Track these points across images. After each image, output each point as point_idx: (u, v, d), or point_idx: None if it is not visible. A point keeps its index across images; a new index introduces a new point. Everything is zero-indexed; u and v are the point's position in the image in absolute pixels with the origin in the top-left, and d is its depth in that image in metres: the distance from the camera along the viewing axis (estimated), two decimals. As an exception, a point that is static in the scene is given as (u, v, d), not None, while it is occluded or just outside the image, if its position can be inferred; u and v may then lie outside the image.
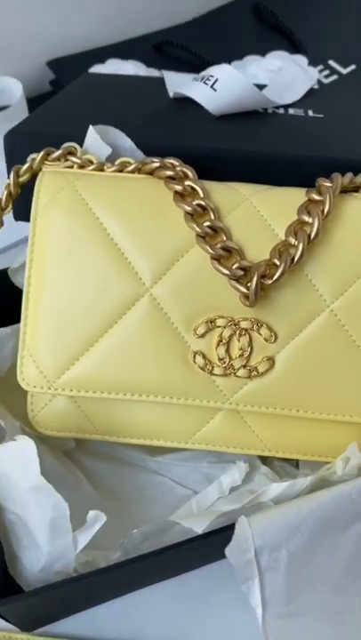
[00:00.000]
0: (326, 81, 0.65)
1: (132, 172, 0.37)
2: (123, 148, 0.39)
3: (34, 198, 0.36)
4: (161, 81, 0.53)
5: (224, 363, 0.34)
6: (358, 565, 0.30)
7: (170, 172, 0.35)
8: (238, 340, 0.34)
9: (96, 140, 0.38)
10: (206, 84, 0.44)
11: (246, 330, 0.34)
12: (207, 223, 0.34)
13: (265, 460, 0.39)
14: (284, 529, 0.29)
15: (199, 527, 0.30)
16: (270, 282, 0.32)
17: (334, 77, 0.66)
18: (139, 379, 0.35)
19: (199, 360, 0.35)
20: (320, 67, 0.67)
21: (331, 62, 0.67)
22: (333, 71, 0.66)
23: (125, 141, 0.39)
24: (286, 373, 0.34)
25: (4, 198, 0.39)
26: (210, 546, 0.32)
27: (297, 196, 0.35)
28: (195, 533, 0.31)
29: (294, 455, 0.37)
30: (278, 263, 0.33)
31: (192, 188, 0.35)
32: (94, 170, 0.37)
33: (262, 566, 0.28)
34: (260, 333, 0.34)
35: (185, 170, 0.35)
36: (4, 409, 0.38)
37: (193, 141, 0.41)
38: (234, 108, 0.44)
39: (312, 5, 0.74)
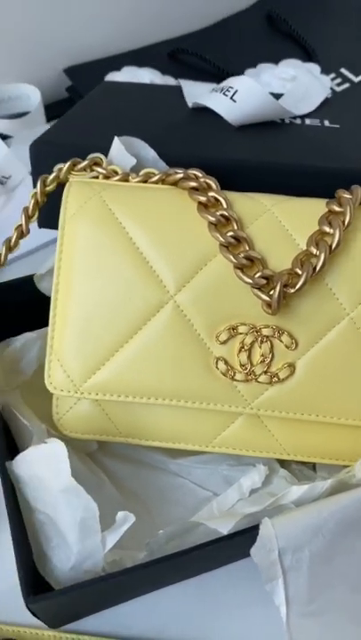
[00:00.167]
0: (339, 89, 0.66)
1: (156, 182, 0.38)
2: (146, 158, 0.41)
3: (62, 208, 0.37)
4: (178, 90, 0.54)
5: (246, 369, 0.35)
6: (377, 566, 0.31)
7: (193, 183, 0.36)
8: (260, 347, 0.35)
9: (121, 151, 0.39)
10: (226, 96, 0.45)
11: (268, 337, 0.35)
12: (230, 233, 0.35)
13: (283, 463, 0.40)
14: (307, 530, 0.30)
15: (225, 528, 0.31)
16: (293, 291, 0.34)
17: (346, 85, 0.67)
18: (162, 383, 0.36)
19: (221, 366, 0.36)
20: (332, 75, 0.68)
21: (343, 70, 0.68)
22: (346, 79, 0.67)
23: (148, 152, 0.40)
24: (306, 379, 0.35)
25: (30, 207, 0.40)
26: (233, 546, 0.33)
27: (317, 206, 0.36)
28: (217, 534, 0.32)
29: (312, 459, 0.38)
30: (300, 272, 0.34)
31: (215, 199, 0.36)
32: (119, 180, 0.38)
33: (286, 566, 0.29)
34: (281, 340, 0.35)
35: (208, 181, 0.37)
36: (31, 411, 0.39)
37: (214, 152, 0.42)
38: (252, 118, 0.45)
39: (324, 13, 0.75)
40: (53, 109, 0.67)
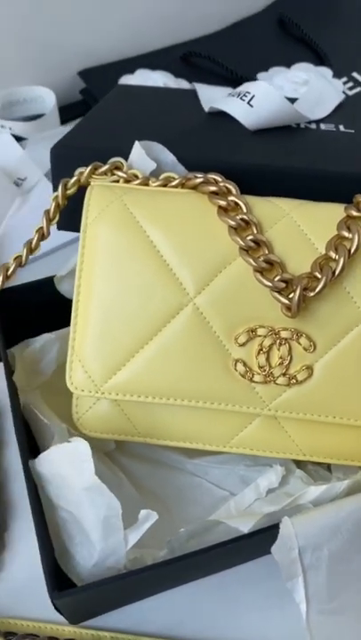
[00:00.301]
0: (351, 93, 0.67)
1: (176, 186, 0.38)
2: (165, 162, 0.41)
3: (83, 211, 0.37)
4: (193, 93, 0.54)
5: (264, 370, 0.36)
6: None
7: (213, 188, 0.37)
8: (278, 349, 0.36)
9: (141, 155, 0.40)
10: (243, 100, 0.45)
11: (286, 339, 0.36)
12: (250, 237, 0.35)
13: (299, 463, 0.41)
14: (325, 530, 0.31)
15: (245, 527, 0.32)
16: (312, 294, 0.34)
17: (359, 89, 0.67)
18: (181, 384, 0.37)
19: (240, 367, 0.36)
20: (344, 79, 0.69)
21: (355, 74, 0.69)
22: (358, 83, 0.68)
23: (168, 156, 0.41)
24: (324, 381, 0.36)
25: (52, 209, 0.41)
26: (253, 545, 0.33)
27: (336, 211, 0.36)
28: (237, 533, 0.33)
29: (328, 460, 0.39)
30: (320, 276, 0.34)
31: (235, 203, 0.36)
32: (139, 184, 0.39)
33: (305, 565, 0.30)
34: (299, 343, 0.36)
35: (228, 185, 0.37)
36: (51, 411, 0.39)
37: (231, 156, 0.43)
38: (269, 123, 0.46)
39: (335, 18, 0.76)
40: (67, 112, 0.67)
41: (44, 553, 0.32)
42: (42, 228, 0.41)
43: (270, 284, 0.35)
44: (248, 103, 0.45)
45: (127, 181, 0.39)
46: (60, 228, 0.44)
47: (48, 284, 0.42)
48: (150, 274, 0.36)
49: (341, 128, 0.48)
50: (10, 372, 0.39)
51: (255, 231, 0.36)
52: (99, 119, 0.49)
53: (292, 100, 0.50)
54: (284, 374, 0.36)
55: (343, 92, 0.66)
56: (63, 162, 0.43)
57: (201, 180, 0.38)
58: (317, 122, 0.49)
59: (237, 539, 0.32)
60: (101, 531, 0.32)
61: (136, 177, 0.39)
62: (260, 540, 0.32)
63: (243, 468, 0.41)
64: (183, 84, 0.67)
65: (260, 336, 0.36)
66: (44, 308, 0.42)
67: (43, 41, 0.66)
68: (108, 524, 0.32)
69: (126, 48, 0.71)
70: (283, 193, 0.39)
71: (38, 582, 0.36)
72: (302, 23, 0.73)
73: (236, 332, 0.36)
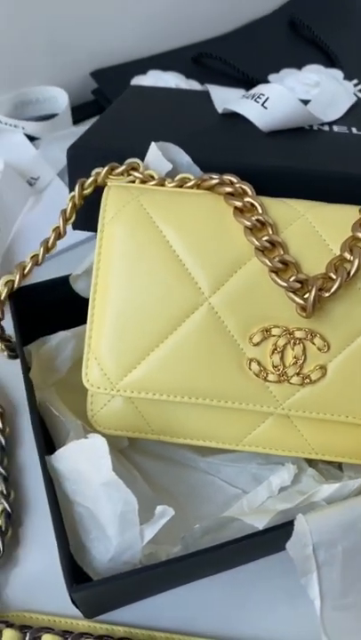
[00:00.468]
0: (361, 95, 0.67)
1: (192, 187, 0.39)
2: (180, 163, 0.42)
3: (100, 211, 0.38)
4: (205, 94, 0.55)
5: (278, 370, 0.36)
6: None
7: (229, 189, 0.37)
8: (292, 349, 0.36)
9: (157, 156, 0.40)
10: (257, 102, 0.46)
11: (300, 339, 0.36)
12: (266, 237, 0.36)
13: (310, 462, 0.41)
14: (339, 527, 0.31)
15: (260, 523, 0.32)
16: (327, 295, 0.35)
17: (369, 91, 0.68)
18: (195, 383, 0.37)
19: (254, 367, 0.37)
20: (355, 81, 0.69)
21: (365, 76, 0.69)
22: (368, 85, 0.68)
23: (183, 157, 0.42)
24: (337, 381, 0.36)
25: (68, 209, 0.41)
26: (267, 541, 0.34)
27: (350, 213, 0.37)
28: (250, 530, 0.33)
29: (340, 459, 0.39)
30: (335, 277, 0.35)
31: (251, 204, 0.37)
32: (155, 185, 0.39)
33: (320, 561, 0.30)
34: (313, 343, 0.36)
35: (243, 186, 0.38)
36: (66, 408, 0.40)
37: (245, 158, 0.43)
38: (282, 125, 0.46)
39: (347, 20, 0.76)
40: (79, 112, 0.68)
41: (61, 548, 0.32)
42: (58, 227, 0.41)
43: (285, 285, 0.35)
44: (262, 105, 0.46)
45: (143, 182, 0.40)
46: (75, 227, 0.45)
47: (64, 282, 0.43)
48: (166, 273, 0.37)
49: (354, 130, 0.49)
50: (27, 370, 0.40)
51: (271, 232, 0.36)
52: (113, 120, 0.49)
53: (305, 102, 0.50)
54: (297, 374, 0.36)
55: (355, 95, 0.67)
56: (79, 162, 0.44)
57: (217, 181, 0.38)
58: (330, 124, 0.50)
59: (251, 535, 0.32)
60: (118, 526, 0.32)
61: (152, 178, 0.40)
62: (274, 537, 0.33)
63: (255, 467, 0.41)
64: (195, 85, 0.67)
65: (274, 336, 0.36)
66: (60, 306, 0.42)
67: (56, 42, 0.66)
68: (124, 519, 0.32)
69: (138, 49, 0.71)
70: (297, 194, 0.39)
71: (52, 577, 0.37)
72: (313, 25, 0.73)
73: (251, 331, 0.37)
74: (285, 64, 0.70)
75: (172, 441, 0.40)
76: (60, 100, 0.66)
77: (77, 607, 0.33)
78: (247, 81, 0.67)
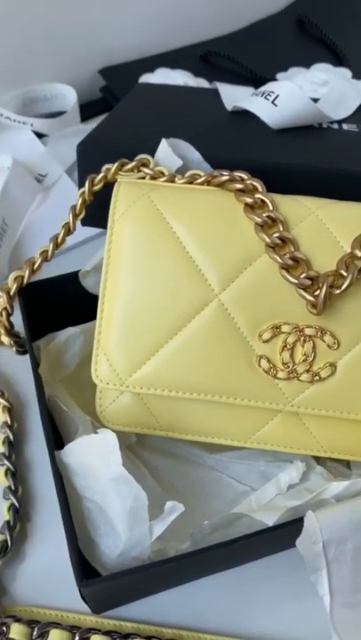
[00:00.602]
0: (370, 94, 0.67)
1: (202, 184, 0.39)
2: (191, 160, 0.42)
3: (111, 207, 0.38)
4: (213, 92, 0.55)
5: (288, 367, 0.36)
6: None
7: (240, 185, 0.37)
8: (302, 346, 0.36)
9: (168, 153, 0.40)
10: (267, 100, 0.46)
11: (310, 336, 0.36)
12: (276, 234, 0.36)
13: (318, 460, 0.41)
14: (349, 524, 0.31)
15: (270, 520, 0.32)
16: (338, 292, 0.34)
17: (377, 90, 0.68)
18: (205, 379, 0.37)
19: (264, 364, 0.37)
20: (363, 79, 0.69)
21: (373, 75, 0.69)
22: (377, 84, 0.68)
23: (193, 154, 0.42)
24: (346, 379, 0.36)
25: (78, 205, 0.41)
26: (276, 538, 0.34)
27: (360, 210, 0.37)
28: (259, 527, 0.33)
29: (348, 456, 0.39)
30: (345, 274, 0.35)
31: (262, 201, 0.37)
32: (166, 181, 0.39)
33: (329, 558, 0.30)
34: (323, 340, 0.36)
35: (254, 183, 0.38)
36: (74, 404, 0.40)
37: (255, 155, 0.43)
38: (292, 122, 0.46)
39: (355, 18, 0.76)
40: (87, 109, 0.68)
41: (70, 543, 0.32)
42: (68, 223, 0.41)
43: (296, 282, 0.35)
44: (272, 102, 0.46)
45: (153, 178, 0.40)
46: (84, 224, 0.45)
47: (73, 278, 0.43)
48: (176, 270, 0.37)
49: (364, 128, 0.49)
50: (36, 365, 0.40)
51: (281, 229, 0.36)
52: (123, 117, 0.49)
53: (314, 101, 0.50)
54: (307, 371, 0.36)
55: (363, 93, 0.66)
56: (89, 158, 0.44)
57: (227, 177, 0.38)
58: (339, 122, 0.50)
59: (260, 532, 0.32)
60: (127, 521, 0.32)
61: (162, 174, 0.40)
62: (284, 534, 0.33)
63: (263, 464, 0.41)
64: (203, 83, 0.67)
65: (284, 333, 0.36)
66: (69, 302, 0.42)
67: (64, 39, 0.66)
68: (133, 514, 0.32)
69: (146, 47, 0.71)
70: (307, 192, 0.39)
71: (60, 572, 0.37)
72: (321, 24, 0.73)
73: (261, 328, 0.36)
74: (293, 63, 0.70)
75: (180, 437, 0.40)
76: (68, 97, 0.66)
77: (86, 602, 0.33)
78: (255, 79, 0.67)
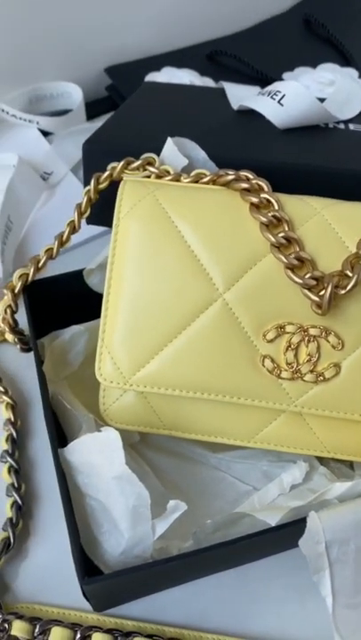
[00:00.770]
0: (376, 94, 0.67)
1: (207, 183, 0.39)
2: (196, 159, 0.42)
3: (116, 205, 0.38)
4: (219, 91, 0.55)
5: (292, 367, 0.36)
6: None
7: (245, 185, 0.37)
8: (307, 346, 0.36)
9: (173, 152, 0.40)
10: (273, 99, 0.46)
11: (315, 337, 0.36)
12: (282, 234, 0.36)
13: (321, 460, 0.41)
14: (352, 525, 0.31)
15: (273, 520, 0.32)
16: (343, 292, 0.34)
17: (384, 91, 0.67)
18: (208, 378, 0.37)
19: (268, 363, 0.37)
20: (370, 80, 0.69)
21: (380, 75, 0.69)
22: (383, 85, 0.68)
23: (199, 153, 0.42)
24: (351, 379, 0.36)
25: (83, 203, 0.41)
26: (279, 538, 0.34)
27: (367, 211, 0.37)
28: (261, 526, 0.33)
29: (352, 457, 0.39)
30: (351, 274, 0.35)
31: (267, 200, 0.37)
32: (171, 180, 0.39)
33: (332, 559, 0.30)
34: (327, 340, 0.36)
35: (260, 182, 0.37)
36: (78, 402, 0.40)
37: (261, 154, 0.43)
38: (299, 122, 0.46)
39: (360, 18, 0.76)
40: (93, 108, 0.68)
41: (73, 540, 0.32)
42: (73, 221, 0.41)
43: (301, 282, 0.35)
44: (278, 102, 0.46)
45: (159, 177, 0.40)
46: (89, 222, 0.45)
47: (77, 276, 0.43)
48: (181, 269, 0.37)
49: (370, 129, 0.49)
50: (40, 363, 0.40)
51: (287, 228, 0.36)
52: (129, 115, 0.49)
53: (320, 100, 0.50)
54: (311, 371, 0.36)
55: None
56: (94, 157, 0.44)
57: (233, 177, 0.38)
58: (346, 122, 0.49)
59: (263, 532, 0.32)
60: (130, 520, 0.32)
61: (168, 173, 0.40)
62: (286, 534, 0.33)
63: (266, 464, 0.41)
64: (209, 82, 0.67)
65: (288, 333, 0.36)
66: (73, 300, 0.43)
67: (70, 38, 0.66)
68: (136, 513, 0.32)
69: (152, 46, 0.71)
70: (312, 192, 0.39)
71: (62, 570, 0.37)
72: (328, 23, 0.73)
73: (265, 328, 0.36)
74: (300, 62, 0.70)
75: (183, 436, 0.40)
76: (74, 95, 0.66)
77: (88, 600, 0.33)
78: (262, 79, 0.67)
